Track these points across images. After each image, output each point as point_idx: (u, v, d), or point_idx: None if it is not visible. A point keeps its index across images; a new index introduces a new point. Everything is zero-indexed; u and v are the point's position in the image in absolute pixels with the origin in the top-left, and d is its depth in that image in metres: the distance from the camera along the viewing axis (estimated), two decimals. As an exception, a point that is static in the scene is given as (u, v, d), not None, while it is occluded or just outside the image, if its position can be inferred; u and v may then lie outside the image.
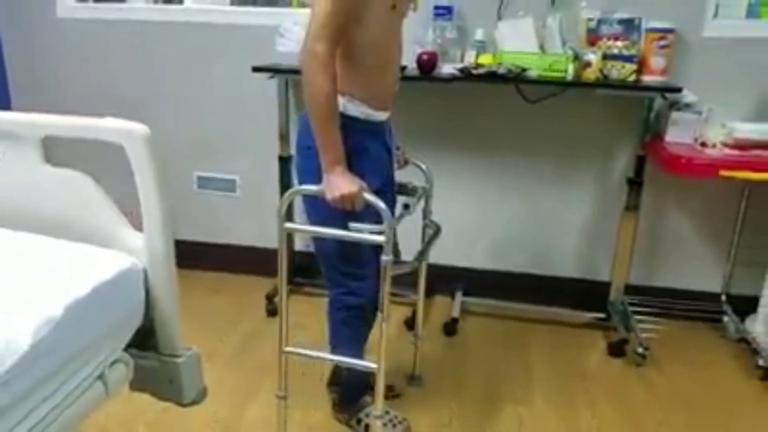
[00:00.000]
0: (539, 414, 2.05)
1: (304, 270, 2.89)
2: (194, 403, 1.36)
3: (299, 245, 2.91)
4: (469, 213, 2.72)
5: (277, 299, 2.67)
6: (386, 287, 1.55)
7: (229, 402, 2.06)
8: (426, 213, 1.97)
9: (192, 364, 1.33)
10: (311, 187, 1.56)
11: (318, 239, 1.70)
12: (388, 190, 1.77)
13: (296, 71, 2.40)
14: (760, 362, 2.25)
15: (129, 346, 1.26)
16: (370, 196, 1.52)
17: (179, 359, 1.31)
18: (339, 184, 1.49)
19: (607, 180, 2.60)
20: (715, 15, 2.39)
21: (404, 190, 1.85)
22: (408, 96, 2.55)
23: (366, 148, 1.61)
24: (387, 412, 1.89)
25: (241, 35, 2.71)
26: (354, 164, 1.54)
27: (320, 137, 1.49)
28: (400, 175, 1.88)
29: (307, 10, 3.08)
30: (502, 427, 1.98)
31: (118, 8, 2.95)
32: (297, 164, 1.69)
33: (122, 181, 1.31)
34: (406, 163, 1.93)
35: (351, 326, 1.77)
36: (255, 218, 2.93)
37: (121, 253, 1.22)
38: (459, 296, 2.68)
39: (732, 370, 2.34)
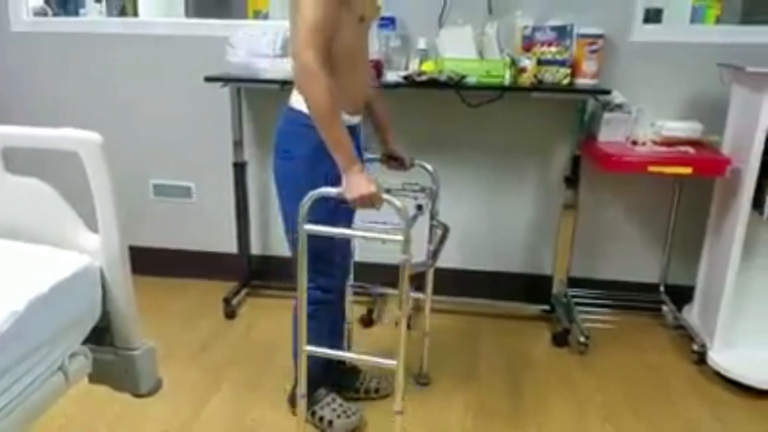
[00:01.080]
0: (487, 401, 2.16)
1: (261, 273, 2.97)
2: (150, 393, 1.43)
3: (255, 249, 2.98)
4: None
5: (234, 302, 2.74)
6: (405, 285, 1.59)
7: (188, 400, 2.11)
8: (433, 214, 2.02)
9: (147, 357, 1.40)
10: (331, 190, 1.59)
11: (290, 235, 1.75)
12: None
13: (247, 80, 2.51)
14: (695, 348, 2.40)
15: (87, 342, 1.32)
16: (388, 196, 1.58)
17: (135, 352, 1.37)
18: (359, 185, 1.55)
19: (547, 179, 2.74)
20: (659, 20, 2.55)
21: (413, 189, 1.91)
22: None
23: None
24: (341, 404, 1.96)
25: (194, 46, 2.78)
26: (330, 166, 1.59)
27: (329, 141, 1.55)
28: (406, 176, 1.98)
29: (258, 22, 3.19)
30: (451, 416, 2.07)
31: (73, 21, 3.01)
32: (275, 166, 1.76)
33: (67, 186, 1.38)
34: (412, 165, 2.01)
35: (318, 319, 1.83)
36: (211, 224, 2.98)
37: (79, 253, 1.28)
38: (412, 293, 2.77)
39: (670, 356, 2.48)
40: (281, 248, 2.98)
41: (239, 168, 2.77)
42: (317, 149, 1.60)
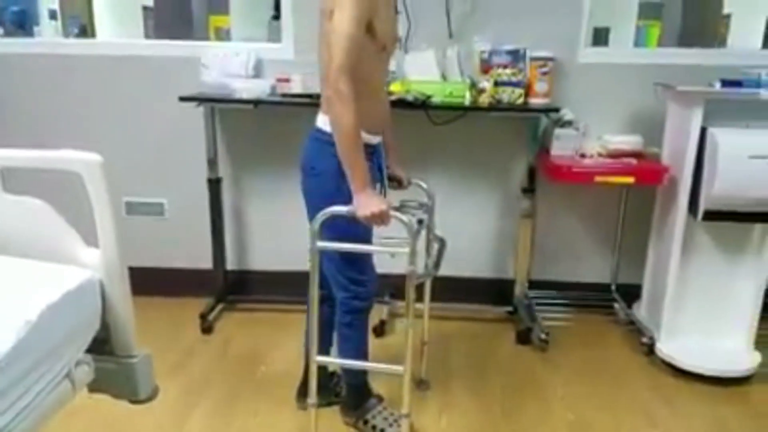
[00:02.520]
0: (460, 401, 2.30)
1: (237, 288, 3.06)
2: (148, 399, 1.52)
3: (230, 264, 3.07)
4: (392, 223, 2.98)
5: (211, 317, 2.82)
6: (411, 294, 1.71)
7: (171, 414, 2.16)
8: (430, 228, 2.14)
9: (146, 364, 1.50)
10: (342, 208, 1.70)
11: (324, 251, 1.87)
12: None
13: (222, 100, 2.63)
14: (644, 340, 2.61)
15: (88, 352, 1.41)
16: (395, 213, 1.71)
17: (134, 360, 1.47)
18: (369, 204, 1.68)
19: (506, 189, 2.93)
20: (606, 42, 2.77)
21: (411, 206, 2.03)
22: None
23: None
24: (391, 413, 2.06)
25: (165, 66, 2.86)
26: None
27: (348, 163, 1.67)
28: (402, 194, 2.11)
29: (231, 44, 3.31)
30: (425, 415, 2.20)
31: (37, 42, 3.07)
32: (303, 183, 1.89)
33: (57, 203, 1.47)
34: (410, 183, 2.15)
35: (358, 329, 1.95)
36: (185, 241, 3.04)
37: (80, 267, 1.39)
38: (387, 300, 2.89)
39: (622, 349, 2.69)
40: (257, 262, 3.10)
41: (214, 184, 2.86)
42: (341, 165, 1.71)
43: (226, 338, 2.75)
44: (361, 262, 1.90)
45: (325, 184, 1.79)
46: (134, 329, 1.47)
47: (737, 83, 2.32)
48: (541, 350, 2.66)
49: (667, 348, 2.52)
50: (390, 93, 2.57)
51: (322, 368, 2.18)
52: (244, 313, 2.97)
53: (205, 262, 2.98)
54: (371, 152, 1.86)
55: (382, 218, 1.69)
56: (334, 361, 2.08)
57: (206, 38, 3.58)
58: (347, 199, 1.72)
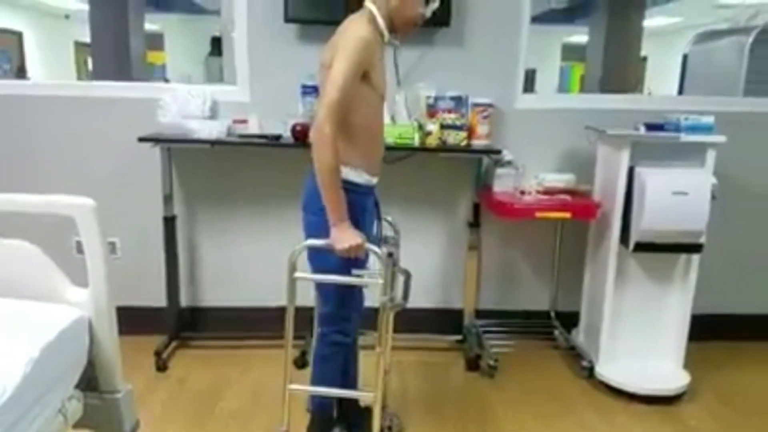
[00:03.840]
0: (413, 427, 2.39)
1: (191, 325, 3.06)
2: (132, 432, 1.55)
3: (184, 301, 3.07)
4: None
5: (165, 355, 2.81)
6: (386, 324, 1.82)
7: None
8: (395, 261, 2.18)
9: (129, 399, 1.53)
10: (318, 241, 1.81)
11: (322, 285, 1.97)
12: (377, 237, 2.11)
13: (179, 140, 2.68)
14: (584, 364, 2.81)
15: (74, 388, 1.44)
16: (369, 245, 1.82)
17: (118, 395, 1.51)
18: (346, 237, 1.78)
19: (453, 224, 3.11)
20: (533, 89, 3.02)
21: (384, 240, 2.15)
22: (285, 161, 2.92)
23: (365, 206, 1.95)
24: None
25: (119, 106, 2.90)
26: (359, 220, 1.85)
27: (327, 199, 1.78)
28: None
29: (180, 85, 3.39)
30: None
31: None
32: (304, 219, 1.97)
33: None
34: (380, 219, 2.24)
35: (334, 361, 2.03)
36: (137, 278, 3.02)
37: (70, 306, 1.42)
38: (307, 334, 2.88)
39: (565, 373, 2.88)
40: (210, 299, 3.12)
41: (169, 222, 2.89)
42: None
43: (181, 375, 2.75)
44: (354, 300, 2.01)
45: (320, 222, 1.87)
46: (120, 366, 1.51)
47: (659, 126, 2.60)
48: (490, 376, 2.81)
49: (605, 371, 2.72)
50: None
51: (354, 402, 2.22)
52: (199, 350, 2.98)
53: (159, 300, 2.97)
54: (371, 192, 2.00)
55: (357, 251, 1.80)
56: (307, 389, 2.08)
57: (143, 73, 3.61)
58: None
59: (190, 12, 7.41)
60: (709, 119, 2.54)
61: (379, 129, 2.02)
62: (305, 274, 1.86)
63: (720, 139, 2.52)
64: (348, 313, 2.00)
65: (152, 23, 7.53)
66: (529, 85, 3.28)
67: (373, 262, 1.88)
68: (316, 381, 2.04)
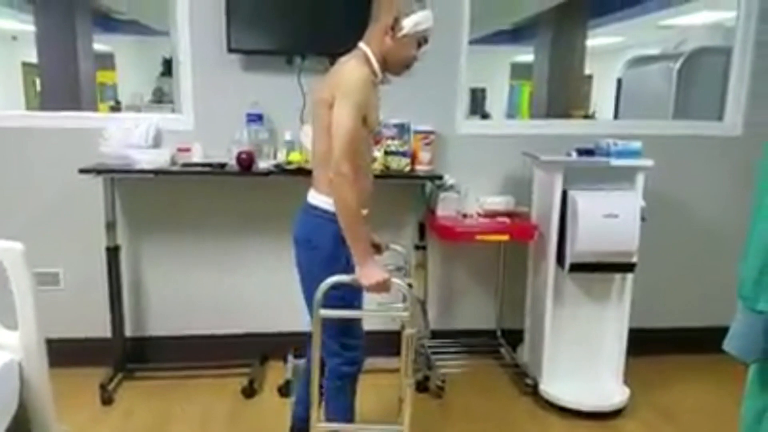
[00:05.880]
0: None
1: (136, 356, 3.03)
2: (67, 476, 1.54)
3: (128, 331, 3.04)
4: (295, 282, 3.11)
5: (110, 387, 2.77)
6: (411, 354, 1.87)
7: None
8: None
9: (64, 441, 1.52)
10: (346, 277, 1.83)
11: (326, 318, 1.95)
12: None
13: (121, 170, 2.67)
14: (528, 382, 2.88)
15: (5, 433, 1.42)
16: (395, 280, 1.84)
17: (53, 438, 1.50)
18: (373, 274, 1.82)
19: (401, 245, 3.15)
20: (483, 108, 3.11)
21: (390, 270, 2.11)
22: (230, 189, 2.93)
23: None
24: None
25: (60, 136, 2.88)
26: (349, 253, 1.85)
27: (352, 238, 1.81)
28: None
29: (131, 114, 3.36)
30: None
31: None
32: (298, 255, 1.98)
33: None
34: (387, 248, 2.28)
35: (346, 393, 2.03)
36: (82, 309, 2.99)
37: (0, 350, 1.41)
38: (291, 359, 2.97)
39: (510, 390, 2.95)
40: (156, 328, 3.10)
41: (112, 251, 2.86)
42: (336, 239, 1.85)
43: (127, 408, 2.72)
44: (355, 328, 2.03)
45: (321, 257, 1.91)
46: (53, 407, 1.50)
47: (590, 152, 2.71)
48: (438, 396, 2.86)
49: (549, 388, 2.79)
50: (289, 162, 2.76)
51: None
52: (145, 381, 2.94)
53: (104, 331, 2.93)
54: (365, 224, 2.01)
55: (385, 287, 1.84)
56: (332, 426, 2.07)
57: (93, 93, 3.59)
58: (341, 270, 1.86)
59: (142, 34, 7.36)
60: (637, 144, 2.67)
61: (369, 161, 2.09)
62: (331, 311, 1.87)
63: (647, 162, 2.64)
64: (351, 342, 2.02)
65: (103, 44, 7.47)
66: (479, 103, 3.37)
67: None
68: (331, 413, 2.04)
